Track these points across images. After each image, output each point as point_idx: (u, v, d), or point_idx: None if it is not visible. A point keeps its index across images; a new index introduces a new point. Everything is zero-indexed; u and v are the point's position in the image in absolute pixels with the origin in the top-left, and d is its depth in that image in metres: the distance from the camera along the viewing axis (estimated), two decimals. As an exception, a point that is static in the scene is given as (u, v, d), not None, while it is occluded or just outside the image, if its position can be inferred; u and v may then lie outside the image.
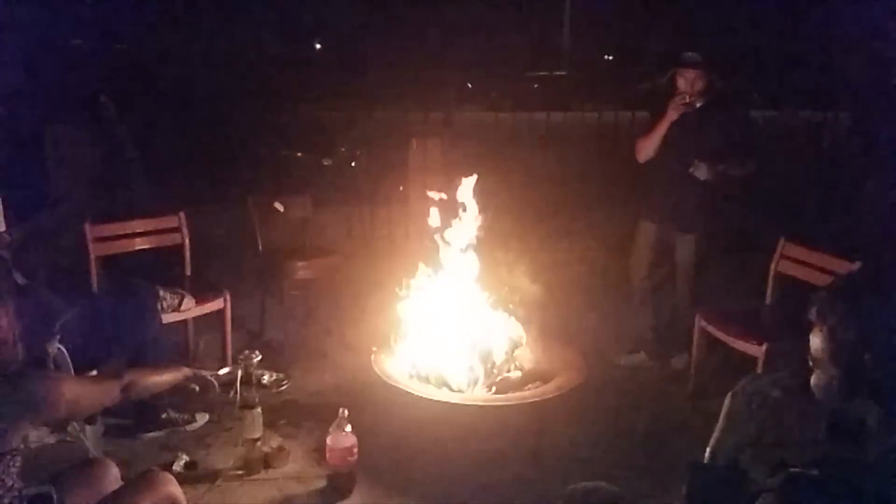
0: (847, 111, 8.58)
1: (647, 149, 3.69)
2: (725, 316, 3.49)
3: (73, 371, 2.63)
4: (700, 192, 3.59)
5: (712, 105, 3.57)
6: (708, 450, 1.69)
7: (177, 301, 3.45)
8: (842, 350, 1.41)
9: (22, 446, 1.70)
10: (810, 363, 1.50)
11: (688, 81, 3.54)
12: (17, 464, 1.69)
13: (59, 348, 2.65)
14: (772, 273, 3.57)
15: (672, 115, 3.56)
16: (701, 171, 3.53)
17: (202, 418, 3.27)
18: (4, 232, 3.24)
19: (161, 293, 3.41)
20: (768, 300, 3.57)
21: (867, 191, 5.65)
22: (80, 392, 1.84)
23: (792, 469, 1.40)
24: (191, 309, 3.51)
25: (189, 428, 3.20)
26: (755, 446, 1.55)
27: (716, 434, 1.68)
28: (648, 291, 3.95)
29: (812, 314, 1.47)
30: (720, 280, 4.47)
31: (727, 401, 1.68)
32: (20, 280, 2.95)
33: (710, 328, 3.46)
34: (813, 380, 1.50)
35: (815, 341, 1.46)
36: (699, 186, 3.57)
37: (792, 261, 3.51)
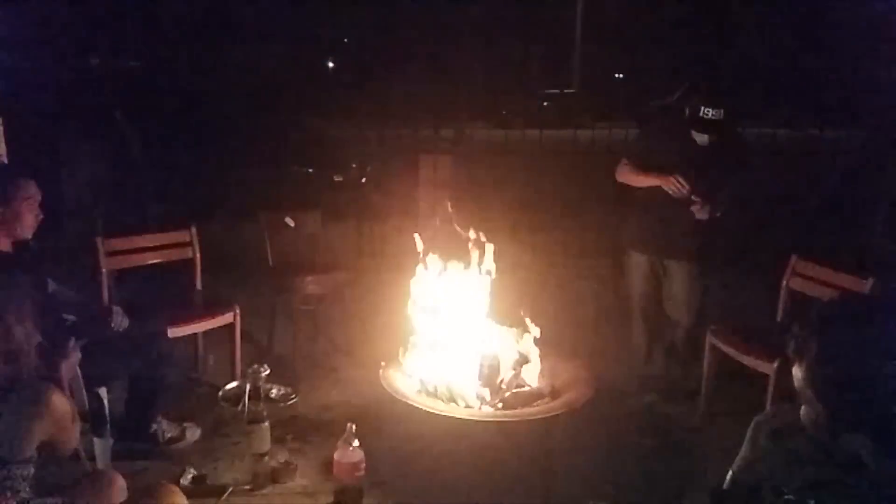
0: (860, 128, 8.57)
1: (630, 181, 3.44)
2: (735, 332, 3.46)
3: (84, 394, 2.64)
4: (692, 216, 3.35)
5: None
6: (729, 474, 1.66)
7: (177, 431, 3.19)
8: (822, 386, 1.39)
9: (34, 456, 1.70)
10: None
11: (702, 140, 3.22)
12: (30, 473, 1.69)
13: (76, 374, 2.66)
14: (783, 289, 3.54)
15: (672, 185, 3.26)
16: (703, 213, 3.30)
17: (192, 435, 3.22)
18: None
19: (158, 421, 3.14)
20: (779, 316, 3.54)
21: (880, 208, 5.62)
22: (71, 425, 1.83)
23: (787, 497, 1.39)
24: (195, 439, 3.22)
25: (175, 448, 3.12)
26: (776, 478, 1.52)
27: (738, 460, 1.65)
28: (652, 329, 3.68)
29: (789, 350, 1.46)
30: (727, 297, 4.44)
31: (751, 429, 1.65)
32: (52, 287, 2.98)
33: (720, 344, 3.43)
34: (801, 413, 1.48)
35: (797, 376, 1.45)
36: (691, 212, 3.34)
37: (804, 277, 3.48)
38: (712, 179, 3.32)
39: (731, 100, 3.27)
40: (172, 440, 3.16)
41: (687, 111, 3.26)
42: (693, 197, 3.29)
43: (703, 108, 3.18)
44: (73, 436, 1.84)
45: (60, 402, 1.73)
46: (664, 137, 3.41)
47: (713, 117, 3.18)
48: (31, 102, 5.41)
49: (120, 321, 2.97)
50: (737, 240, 3.88)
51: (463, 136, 7.85)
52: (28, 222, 2.77)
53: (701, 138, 3.24)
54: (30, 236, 2.82)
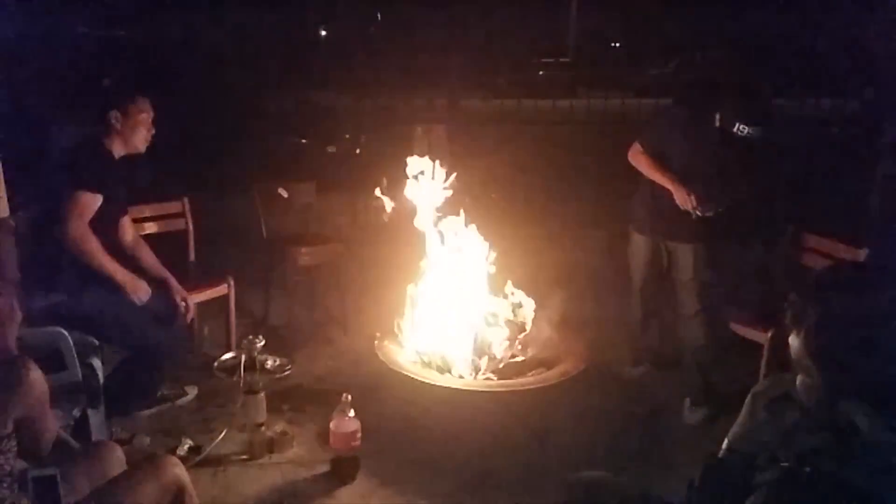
0: (856, 98, 8.53)
1: (642, 170, 3.34)
2: (730, 302, 3.47)
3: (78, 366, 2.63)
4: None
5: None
6: (725, 443, 1.67)
7: (178, 390, 3.37)
8: (820, 353, 1.40)
9: (9, 430, 1.69)
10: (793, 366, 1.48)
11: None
12: (13, 448, 1.68)
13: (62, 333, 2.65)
14: (779, 259, 3.53)
15: (685, 202, 3.16)
16: (708, 212, 3.17)
17: (192, 391, 3.37)
18: (9, 217, 3.25)
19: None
20: (774, 286, 3.54)
21: (876, 178, 5.61)
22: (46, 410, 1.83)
23: (783, 464, 1.40)
24: (195, 395, 3.40)
25: (179, 402, 3.28)
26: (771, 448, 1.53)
27: (735, 429, 1.66)
28: (650, 306, 3.63)
29: (787, 319, 1.45)
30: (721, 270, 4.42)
31: (749, 400, 1.65)
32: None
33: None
34: (797, 383, 1.49)
35: (794, 345, 1.45)
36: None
37: (799, 247, 3.46)
38: (725, 174, 3.20)
39: (769, 113, 3.05)
40: (177, 396, 3.29)
41: (718, 119, 3.06)
42: (699, 209, 3.18)
43: (738, 123, 2.96)
44: (48, 412, 1.82)
45: (38, 379, 1.72)
46: (681, 129, 3.24)
47: (749, 135, 2.97)
48: (18, 71, 5.33)
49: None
50: (741, 218, 3.71)
51: (457, 105, 7.77)
52: (142, 136, 3.08)
53: (729, 151, 3.09)
54: (143, 150, 3.12)
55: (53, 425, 1.88)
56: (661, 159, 3.28)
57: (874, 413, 1.36)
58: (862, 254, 3.11)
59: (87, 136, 3.11)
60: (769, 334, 3.09)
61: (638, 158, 3.36)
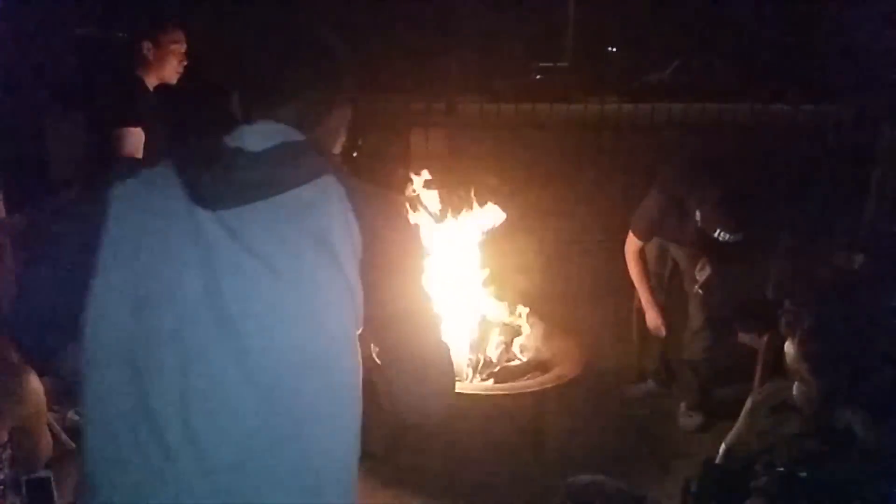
0: (851, 105, 8.54)
1: (630, 270, 3.33)
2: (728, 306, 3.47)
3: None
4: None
5: None
6: (722, 447, 1.67)
7: None
8: (815, 359, 1.41)
9: (3, 440, 1.68)
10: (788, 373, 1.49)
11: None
12: (7, 456, 1.68)
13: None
14: (774, 265, 3.54)
15: (651, 324, 3.32)
16: (704, 274, 3.17)
17: None
18: (4, 218, 3.24)
19: None
20: (770, 293, 3.54)
21: (871, 185, 5.63)
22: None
23: (780, 469, 1.40)
24: None
25: None
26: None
27: (733, 434, 1.67)
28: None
29: (782, 326, 1.47)
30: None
31: (748, 406, 1.66)
32: None
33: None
34: (794, 390, 1.50)
35: (789, 352, 1.46)
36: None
37: (795, 254, 3.47)
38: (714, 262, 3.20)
39: (749, 218, 2.92)
40: None
41: (698, 216, 2.98)
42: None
43: (719, 230, 2.88)
44: (45, 421, 1.82)
45: (37, 389, 1.71)
46: (667, 219, 3.19)
47: (732, 240, 2.89)
48: (15, 73, 5.32)
49: None
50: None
51: (455, 109, 7.77)
52: (173, 66, 2.96)
53: (713, 248, 3.07)
54: (174, 81, 3.00)
55: (49, 437, 1.87)
56: (651, 260, 3.34)
57: (871, 419, 1.37)
58: (856, 261, 3.11)
59: (118, 69, 2.98)
60: (764, 339, 3.09)
61: (629, 258, 3.30)
